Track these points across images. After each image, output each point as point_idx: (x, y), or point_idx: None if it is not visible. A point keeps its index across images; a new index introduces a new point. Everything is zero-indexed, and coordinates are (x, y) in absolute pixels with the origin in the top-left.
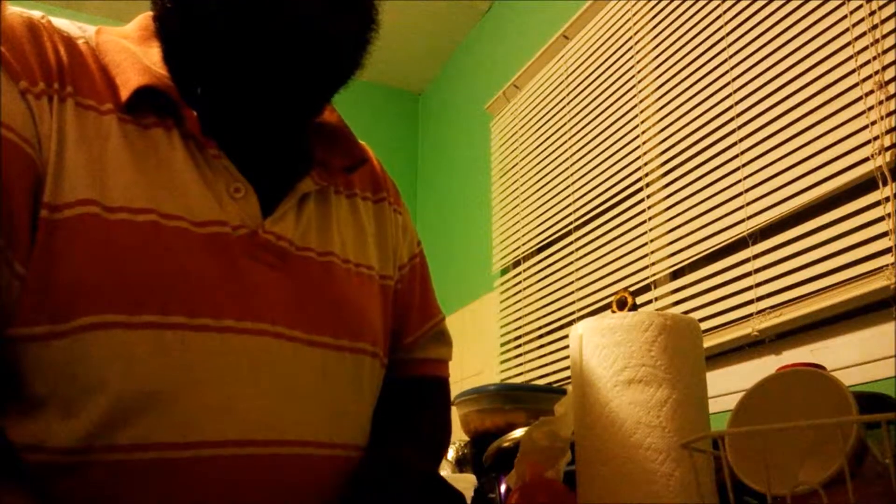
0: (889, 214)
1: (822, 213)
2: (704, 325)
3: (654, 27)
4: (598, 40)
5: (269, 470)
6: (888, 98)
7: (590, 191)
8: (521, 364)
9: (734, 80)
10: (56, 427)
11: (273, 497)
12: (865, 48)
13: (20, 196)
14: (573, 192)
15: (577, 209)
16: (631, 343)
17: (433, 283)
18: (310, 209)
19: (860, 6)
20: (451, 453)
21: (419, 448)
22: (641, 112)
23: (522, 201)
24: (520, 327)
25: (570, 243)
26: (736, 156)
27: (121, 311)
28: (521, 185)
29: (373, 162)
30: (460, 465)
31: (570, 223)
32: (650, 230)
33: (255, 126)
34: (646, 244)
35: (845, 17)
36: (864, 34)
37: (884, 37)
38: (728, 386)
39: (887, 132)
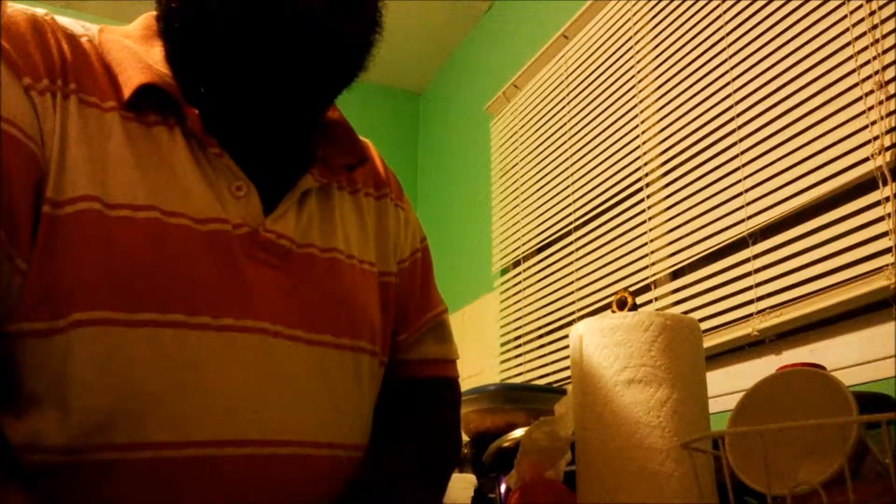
0: (889, 214)
1: (822, 213)
2: (704, 325)
3: (654, 27)
4: (598, 40)
5: (268, 470)
6: (888, 98)
7: (590, 191)
8: (521, 364)
9: (734, 80)
10: (53, 425)
11: (271, 497)
12: (865, 48)
13: (22, 192)
14: (573, 192)
15: (577, 209)
16: (631, 343)
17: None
18: (311, 206)
19: (860, 6)
20: None
21: (415, 466)
22: (641, 112)
23: (522, 201)
24: (520, 327)
25: (570, 243)
26: (736, 156)
27: (119, 308)
28: (521, 185)
29: (375, 159)
30: (460, 465)
31: (570, 223)
32: (650, 230)
33: (257, 124)
34: (646, 244)
35: (845, 17)
36: (864, 34)
37: (884, 37)
38: (728, 386)
39: (887, 132)
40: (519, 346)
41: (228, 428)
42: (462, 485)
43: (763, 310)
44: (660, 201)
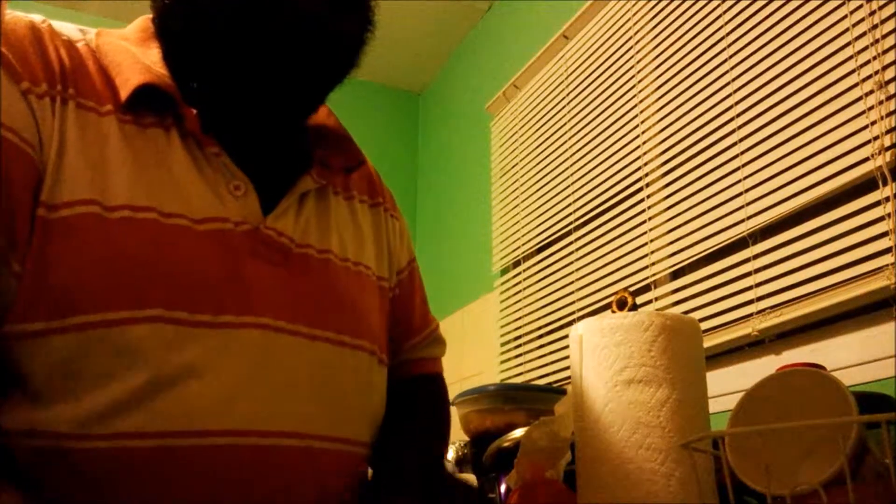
0: (889, 214)
1: (822, 213)
2: (704, 325)
3: (654, 27)
4: (598, 40)
5: (270, 460)
6: (888, 98)
7: (590, 191)
8: (521, 364)
9: (734, 80)
10: (53, 414)
11: (273, 488)
12: (865, 48)
13: (20, 196)
14: (573, 192)
15: (577, 209)
16: (631, 343)
17: (433, 284)
18: (309, 207)
19: (860, 6)
20: (451, 453)
21: (425, 442)
22: (641, 112)
23: (522, 201)
24: (520, 327)
25: (570, 243)
26: (736, 156)
27: (125, 307)
28: (521, 185)
29: (370, 168)
30: (460, 465)
31: (570, 223)
32: (650, 230)
33: (254, 123)
34: (646, 244)
35: (845, 17)
36: (864, 34)
37: (884, 37)
38: (728, 386)
39: (887, 132)
40: (519, 346)
41: (231, 418)
42: None
43: (763, 310)
44: (660, 201)
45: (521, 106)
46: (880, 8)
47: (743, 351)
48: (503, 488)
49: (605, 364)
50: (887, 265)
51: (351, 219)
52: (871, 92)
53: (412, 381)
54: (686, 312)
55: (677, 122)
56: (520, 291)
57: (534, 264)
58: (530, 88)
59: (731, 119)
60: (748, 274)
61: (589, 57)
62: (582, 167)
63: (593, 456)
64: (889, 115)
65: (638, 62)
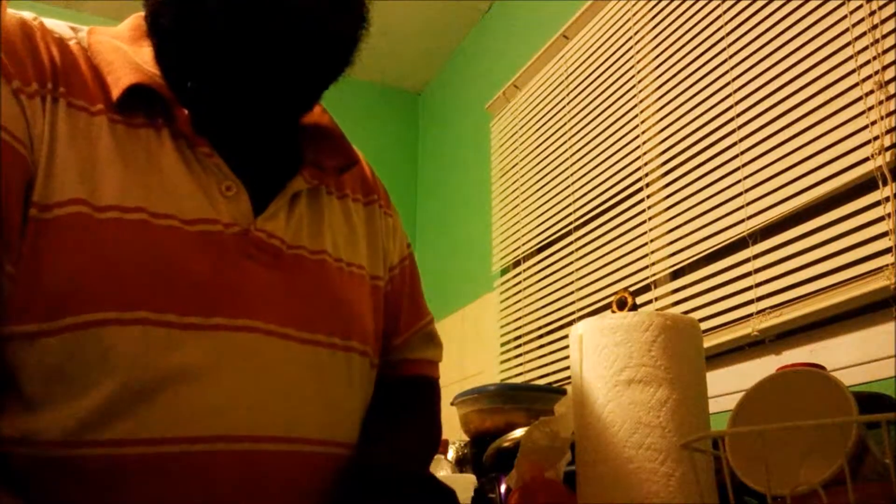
0: (889, 214)
1: (822, 213)
2: (704, 325)
3: (654, 27)
4: (598, 40)
5: (260, 466)
6: (888, 98)
7: (590, 191)
8: (521, 364)
9: (734, 80)
10: (45, 421)
11: (264, 494)
12: (865, 48)
13: (12, 196)
14: (573, 192)
15: (577, 209)
16: (631, 343)
17: (433, 284)
18: (301, 208)
19: (860, 6)
20: (451, 453)
21: (410, 448)
22: (641, 112)
23: (522, 201)
24: (520, 327)
25: (570, 243)
26: (736, 156)
27: (113, 308)
28: (521, 185)
29: (363, 165)
30: (460, 465)
31: (570, 223)
32: (650, 230)
33: (246, 123)
34: (646, 244)
35: (845, 17)
36: (864, 34)
37: (884, 37)
38: (728, 386)
39: (887, 132)
40: (519, 346)
41: (220, 424)
42: (462, 485)
43: (763, 310)
44: (660, 201)
45: (521, 106)
46: (880, 8)
47: (743, 351)
48: (503, 488)
49: (605, 364)
50: (887, 265)
51: (344, 219)
52: (871, 92)
53: (406, 384)
54: (686, 312)
55: (677, 123)
56: (520, 291)
57: (534, 264)
58: (530, 88)
59: (731, 119)
60: (748, 274)
61: (589, 57)
62: (582, 167)
63: (593, 456)
64: (889, 115)
65: (638, 62)
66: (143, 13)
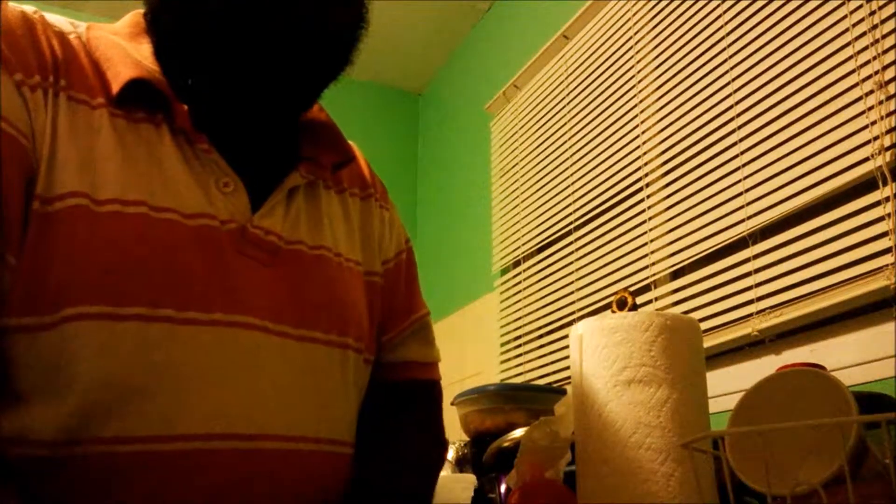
0: (889, 214)
1: (822, 213)
2: (704, 325)
3: (654, 27)
4: (598, 40)
5: (255, 464)
6: (888, 98)
7: (590, 191)
8: (521, 364)
9: (734, 80)
10: (40, 419)
11: (258, 491)
12: (865, 48)
13: (15, 188)
14: (573, 192)
15: (577, 209)
16: (631, 343)
17: (433, 284)
18: (299, 203)
19: (860, 6)
20: (451, 453)
21: (409, 460)
22: (641, 112)
23: (522, 201)
24: (520, 327)
25: (570, 243)
26: (736, 156)
27: (108, 302)
28: (521, 185)
29: (361, 162)
30: (460, 465)
31: (570, 223)
32: (650, 230)
33: (245, 120)
34: (646, 244)
35: (845, 17)
36: (864, 34)
37: (884, 37)
38: (728, 386)
39: (887, 132)
40: (519, 346)
41: (216, 422)
42: (462, 485)
43: (763, 310)
44: (660, 201)
45: (521, 106)
46: (880, 8)
47: (743, 351)
48: (503, 488)
49: (605, 364)
50: (887, 265)
51: (342, 213)
52: (871, 92)
53: (402, 387)
54: (686, 312)
55: (677, 123)
56: (520, 291)
57: (534, 264)
58: (530, 88)
59: (731, 119)
60: (748, 274)
61: (589, 57)
62: (582, 167)
63: (593, 456)
64: (889, 115)
65: (638, 62)
66: (141, 11)
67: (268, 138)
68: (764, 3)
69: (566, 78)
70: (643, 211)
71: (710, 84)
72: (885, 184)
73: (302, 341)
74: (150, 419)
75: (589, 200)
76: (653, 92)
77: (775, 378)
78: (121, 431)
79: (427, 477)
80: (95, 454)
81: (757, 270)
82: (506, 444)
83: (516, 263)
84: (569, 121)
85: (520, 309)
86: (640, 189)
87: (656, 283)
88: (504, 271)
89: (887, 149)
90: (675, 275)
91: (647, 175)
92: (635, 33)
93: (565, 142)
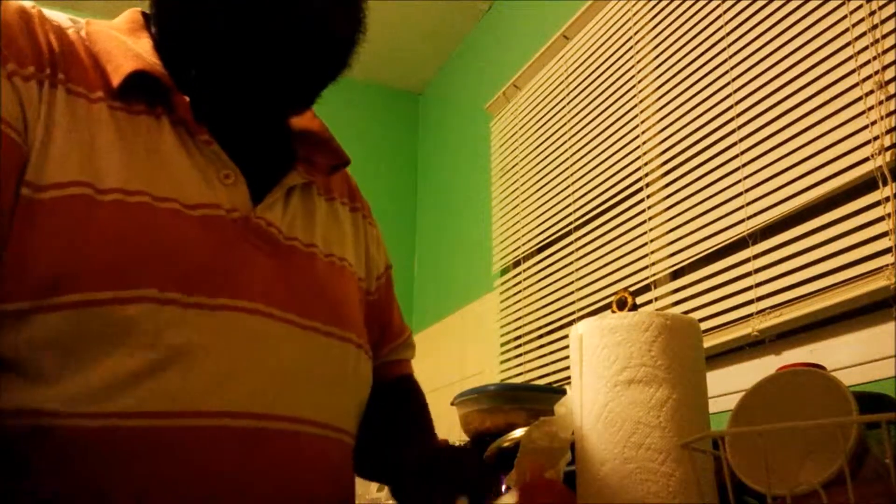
0: (889, 214)
1: (822, 213)
2: (704, 325)
3: (654, 27)
4: (598, 40)
5: (261, 444)
6: (888, 98)
7: (590, 191)
8: (521, 364)
9: (734, 80)
10: (42, 393)
11: (262, 471)
12: (865, 48)
13: (5, 177)
14: (573, 192)
15: (577, 209)
16: (631, 343)
17: (433, 284)
18: (295, 202)
19: (860, 6)
20: None
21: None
22: (641, 112)
23: (522, 201)
24: (520, 327)
25: (570, 243)
26: (736, 156)
27: (119, 287)
28: (521, 185)
29: (348, 175)
30: None
31: (570, 223)
32: (650, 230)
33: (245, 115)
34: (646, 244)
35: (845, 17)
36: (864, 34)
37: (884, 37)
38: (728, 386)
39: (887, 132)
40: (519, 346)
41: (223, 400)
42: None
43: (763, 310)
44: (660, 201)
45: (521, 106)
46: (880, 8)
47: (743, 351)
48: (503, 488)
49: (605, 364)
50: (887, 265)
51: (332, 218)
52: (871, 92)
53: (397, 382)
54: (686, 312)
55: (677, 123)
56: (520, 291)
57: (534, 264)
58: (530, 88)
59: (731, 119)
60: (748, 274)
61: (589, 57)
62: (582, 167)
63: (593, 456)
64: (889, 115)
65: (638, 62)
66: (138, 8)
67: (264, 137)
68: (764, 3)
69: (566, 78)
70: (643, 211)
71: (710, 84)
72: (885, 184)
73: (306, 330)
74: (157, 396)
75: (589, 200)
76: (653, 92)
77: (775, 378)
78: (128, 407)
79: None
80: (97, 429)
81: (757, 270)
82: (506, 444)
83: (516, 263)
84: (569, 121)
85: (520, 309)
86: (640, 189)
87: (656, 283)
88: (504, 271)
89: (887, 149)
90: (675, 275)
91: (647, 175)
92: (635, 33)
93: (565, 142)
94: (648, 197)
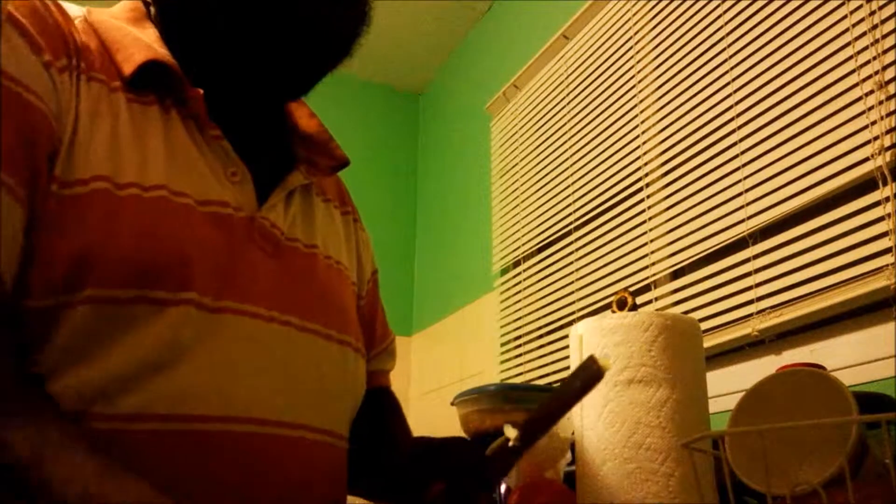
0: (889, 214)
1: (822, 213)
2: (704, 325)
3: (654, 27)
4: (598, 40)
5: (265, 449)
6: (888, 98)
7: (590, 191)
8: (521, 364)
9: (734, 80)
10: (54, 391)
11: (266, 476)
12: (865, 48)
13: (42, 160)
14: (573, 192)
15: (577, 209)
16: (631, 343)
17: (433, 284)
18: (296, 203)
19: (860, 6)
20: None
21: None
22: (641, 112)
23: (522, 201)
24: (520, 327)
25: (570, 243)
26: (736, 156)
27: (130, 285)
28: (521, 185)
29: (339, 179)
30: None
31: (570, 223)
32: (650, 230)
33: (246, 107)
34: (646, 244)
35: (845, 17)
36: (864, 34)
37: (884, 37)
38: (728, 386)
39: (887, 132)
40: (519, 346)
41: (229, 404)
42: None
43: (763, 310)
44: (660, 201)
45: (521, 106)
46: (880, 8)
47: (743, 351)
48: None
49: None
50: (887, 265)
51: (329, 220)
52: (871, 92)
53: (375, 393)
54: (686, 312)
55: (677, 122)
56: (520, 291)
57: (534, 264)
58: (530, 88)
59: (731, 119)
60: (748, 274)
61: (589, 57)
62: (582, 167)
63: (593, 456)
64: (889, 115)
65: (638, 62)
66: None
67: (266, 136)
68: (764, 2)
69: (566, 78)
70: (643, 211)
71: (710, 84)
72: (885, 184)
73: (306, 333)
74: (164, 398)
75: (589, 200)
76: (653, 92)
77: (775, 378)
78: (135, 408)
79: None
80: (107, 430)
81: (757, 270)
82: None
83: (516, 263)
84: (569, 121)
85: (520, 309)
86: (640, 189)
87: (656, 283)
88: (504, 271)
89: (887, 149)
90: (675, 275)
91: (646, 175)
92: (635, 33)
93: (565, 142)
94: (648, 197)
